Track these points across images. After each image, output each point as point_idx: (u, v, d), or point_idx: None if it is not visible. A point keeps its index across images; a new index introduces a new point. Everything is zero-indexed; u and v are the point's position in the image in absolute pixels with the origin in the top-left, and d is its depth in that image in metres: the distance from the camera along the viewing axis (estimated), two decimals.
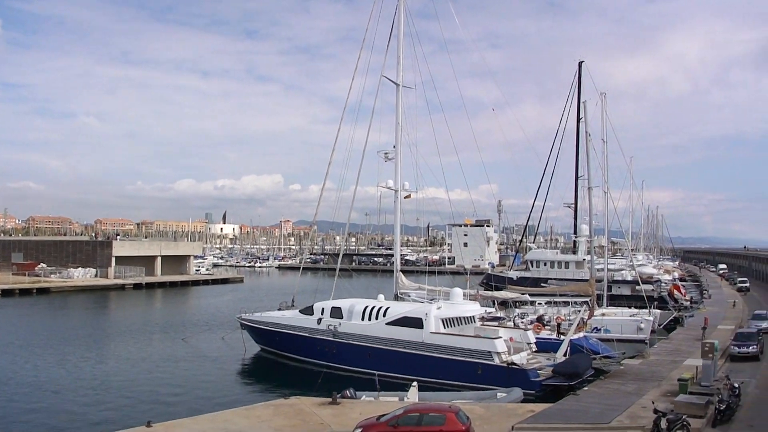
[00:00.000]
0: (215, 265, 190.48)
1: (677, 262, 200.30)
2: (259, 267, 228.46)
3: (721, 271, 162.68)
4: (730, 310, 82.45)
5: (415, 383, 38.24)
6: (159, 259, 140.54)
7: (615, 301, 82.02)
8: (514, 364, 45.06)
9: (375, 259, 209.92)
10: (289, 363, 55.01)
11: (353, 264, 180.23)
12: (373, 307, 52.32)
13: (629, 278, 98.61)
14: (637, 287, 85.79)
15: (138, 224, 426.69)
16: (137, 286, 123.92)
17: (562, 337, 52.12)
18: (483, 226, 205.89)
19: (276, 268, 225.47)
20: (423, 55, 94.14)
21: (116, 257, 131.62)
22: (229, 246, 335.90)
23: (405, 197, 60.48)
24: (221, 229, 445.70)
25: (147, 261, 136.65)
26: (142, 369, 52.13)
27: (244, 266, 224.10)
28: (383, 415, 29.61)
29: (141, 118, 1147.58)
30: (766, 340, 56.44)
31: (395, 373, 46.30)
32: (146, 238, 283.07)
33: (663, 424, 28.66)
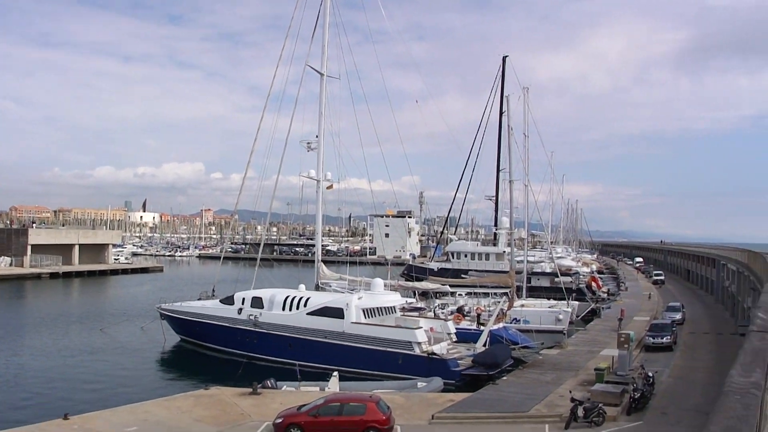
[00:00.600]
0: (134, 254, 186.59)
1: (595, 255, 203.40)
2: (180, 256, 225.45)
3: (638, 265, 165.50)
4: (646, 302, 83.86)
5: (336, 373, 38.34)
6: (77, 247, 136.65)
7: (534, 292, 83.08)
8: (435, 354, 45.18)
9: (296, 249, 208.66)
10: (209, 353, 54.39)
11: (274, 254, 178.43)
12: (294, 297, 51.98)
13: (548, 270, 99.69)
14: (556, 279, 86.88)
15: (55, 212, 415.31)
16: (54, 276, 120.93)
17: (482, 327, 52.44)
18: (405, 217, 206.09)
19: (196, 257, 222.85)
20: (348, 45, 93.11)
21: (32, 245, 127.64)
22: (149, 235, 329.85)
23: (327, 187, 60.26)
24: (141, 217, 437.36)
25: (64, 249, 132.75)
26: (59, 361, 50.98)
27: (164, 255, 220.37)
28: (304, 405, 29.66)
29: (60, 102, 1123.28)
30: (680, 331, 57.89)
31: (316, 363, 46.24)
32: (63, 226, 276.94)
33: (580, 412, 29.27)
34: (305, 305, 50.94)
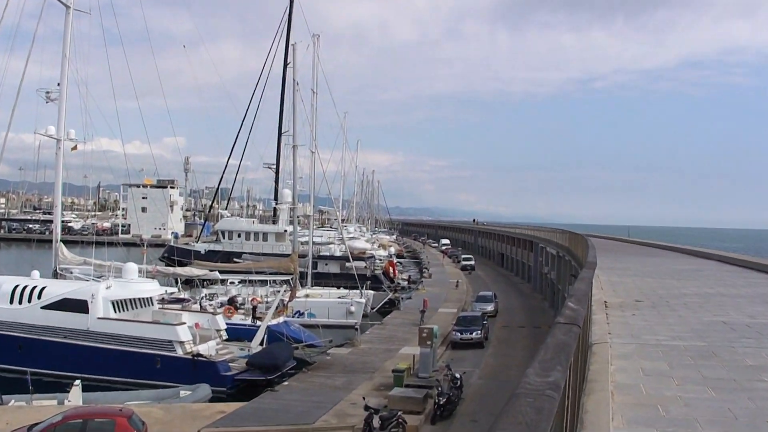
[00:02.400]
0: None
1: (395, 236, 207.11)
2: None
3: (444, 247, 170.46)
4: (453, 292, 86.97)
5: (78, 382, 37.67)
6: None
7: (321, 279, 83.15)
8: (201, 355, 45.01)
9: (30, 225, 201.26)
10: None
11: (1, 231, 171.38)
12: (24, 287, 49.87)
13: (338, 254, 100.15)
14: (348, 264, 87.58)
15: None
16: None
17: (259, 322, 52.91)
18: (166, 187, 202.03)
19: None
20: None
21: None
22: None
23: (72, 149, 58.30)
24: None
25: None
26: None
27: None
28: (36, 424, 28.91)
29: None
30: (492, 325, 60.45)
31: (53, 369, 44.86)
32: None
33: (376, 422, 29.70)
34: (39, 297, 49.02)
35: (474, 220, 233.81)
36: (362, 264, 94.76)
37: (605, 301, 21.69)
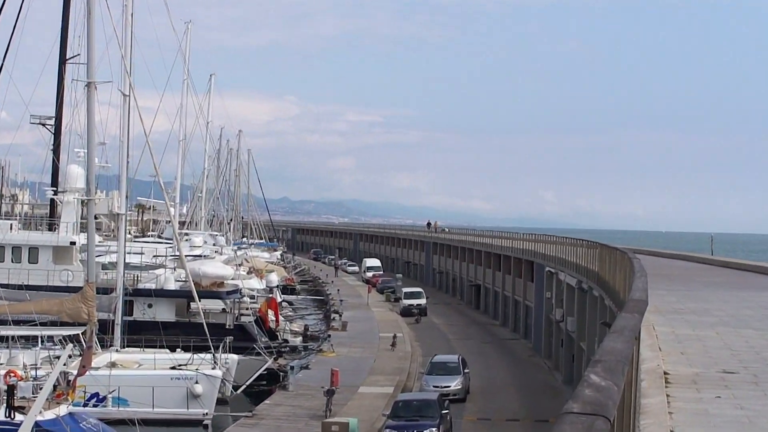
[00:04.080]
0: None
1: (279, 253, 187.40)
2: None
3: (371, 274, 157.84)
4: (386, 355, 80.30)
5: None
6: None
7: (142, 333, 71.47)
8: None
9: None
10: None
11: None
12: None
13: (173, 286, 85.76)
14: (193, 306, 77.92)
15: None
16: None
17: (20, 417, 47.47)
18: None
19: None
20: None
21: None
22: None
23: None
24: None
25: None
26: None
27: None
28: None
29: None
30: (458, 417, 57.40)
31: None
32: None
33: None
34: None
35: (429, 224, 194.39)
36: (218, 305, 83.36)
37: (665, 372, 17.70)
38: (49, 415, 46.69)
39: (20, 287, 73.87)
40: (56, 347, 60.25)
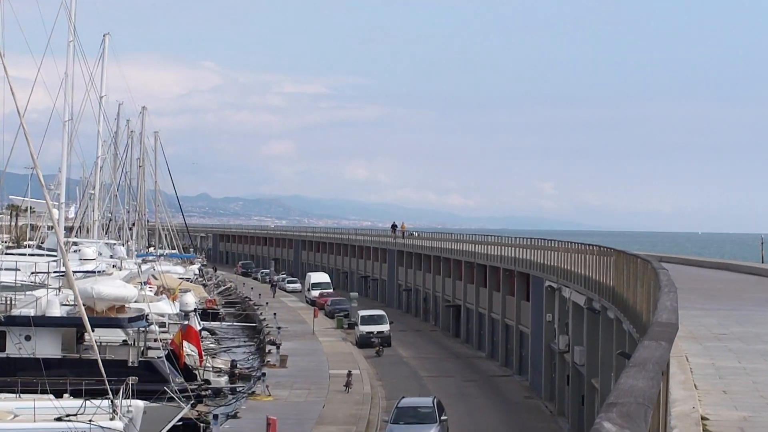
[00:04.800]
0: None
1: (198, 267, 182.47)
2: None
3: (318, 293, 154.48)
4: (339, 399, 77.89)
5: None
6: None
7: (16, 374, 69.23)
8: None
9: None
10: None
11: None
12: None
13: (58, 312, 78.27)
14: (86, 338, 72.62)
15: None
16: None
17: None
18: None
19: None
20: None
21: None
22: None
23: None
24: None
25: None
26: None
27: None
28: None
29: None
30: None
31: None
32: None
33: None
34: None
35: (393, 227, 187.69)
36: (118, 336, 78.12)
37: (703, 418, 16.76)
38: None
39: None
40: None
